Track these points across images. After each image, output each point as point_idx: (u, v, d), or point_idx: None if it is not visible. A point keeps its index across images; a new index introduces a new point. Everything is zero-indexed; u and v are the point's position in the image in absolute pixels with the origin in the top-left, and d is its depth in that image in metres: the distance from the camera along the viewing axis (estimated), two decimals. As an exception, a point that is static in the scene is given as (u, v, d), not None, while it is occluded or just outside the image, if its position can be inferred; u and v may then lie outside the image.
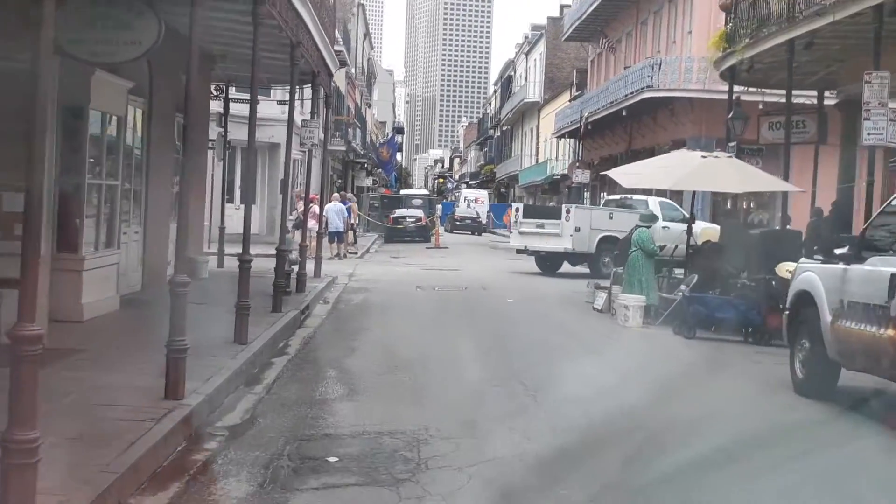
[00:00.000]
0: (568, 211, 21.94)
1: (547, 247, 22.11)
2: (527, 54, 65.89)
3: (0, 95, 8.26)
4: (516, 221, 23.90)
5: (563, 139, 45.43)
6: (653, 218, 13.88)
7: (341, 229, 25.85)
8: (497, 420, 7.12)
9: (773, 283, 12.40)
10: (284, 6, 11.13)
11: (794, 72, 15.84)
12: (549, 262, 22.75)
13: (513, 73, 72.92)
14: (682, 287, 13.05)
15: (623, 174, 15.25)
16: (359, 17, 58.32)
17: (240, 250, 10.24)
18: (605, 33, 36.61)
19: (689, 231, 14.70)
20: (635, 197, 22.83)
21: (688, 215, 16.15)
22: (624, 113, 29.72)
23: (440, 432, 6.65)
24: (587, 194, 40.58)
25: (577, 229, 21.18)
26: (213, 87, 19.11)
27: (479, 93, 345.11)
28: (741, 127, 17.50)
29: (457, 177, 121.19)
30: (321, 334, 11.71)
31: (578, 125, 37.02)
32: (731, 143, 17.31)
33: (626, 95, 29.36)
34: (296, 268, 14.78)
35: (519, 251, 22.74)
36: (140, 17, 7.98)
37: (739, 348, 11.85)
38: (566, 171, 45.45)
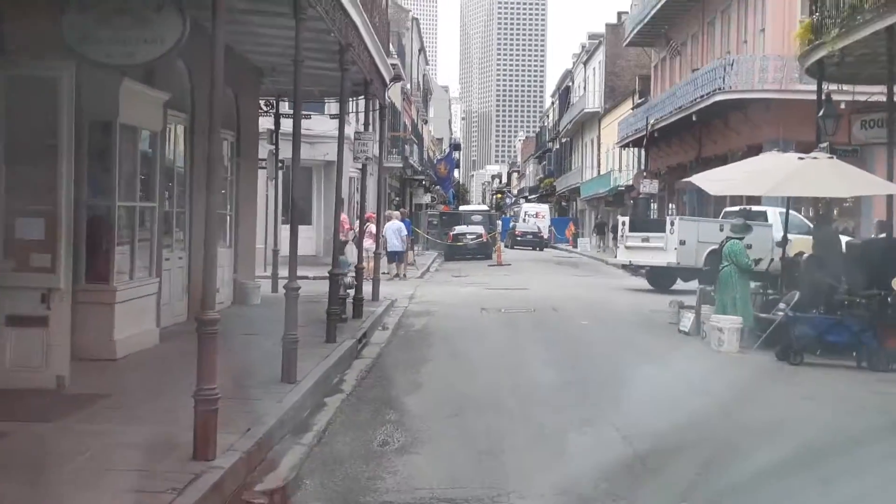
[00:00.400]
0: (672, 223, 20.70)
1: (652, 261, 21.05)
2: (585, 63, 64.43)
3: (12, 108, 7.29)
4: (622, 236, 23.05)
5: (626, 149, 43.85)
6: (746, 228, 12.41)
7: (399, 249, 24.78)
8: (593, 480, 5.83)
9: (889, 298, 10.88)
10: (330, 4, 10.04)
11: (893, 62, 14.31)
12: (660, 278, 21.57)
13: (571, 84, 71.47)
14: (781, 305, 11.59)
15: (709, 181, 13.81)
16: (413, 31, 57.64)
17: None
18: (668, 36, 35.07)
19: (785, 242, 13.21)
20: (754, 208, 21.28)
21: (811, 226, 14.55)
22: (694, 118, 28.16)
23: (525, 499, 5.41)
24: (654, 205, 38.93)
25: (682, 242, 19.92)
26: (262, 102, 18.25)
27: (535, 106, 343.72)
28: (833, 126, 15.93)
29: (515, 191, 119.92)
30: (380, 367, 10.55)
31: (644, 133, 35.49)
32: (823, 145, 15.74)
33: (695, 99, 27.81)
34: (352, 292, 13.70)
35: (624, 266, 21.58)
36: (160, 12, 6.95)
37: (855, 375, 10.36)
38: (630, 182, 43.84)
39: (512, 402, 8.36)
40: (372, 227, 23.98)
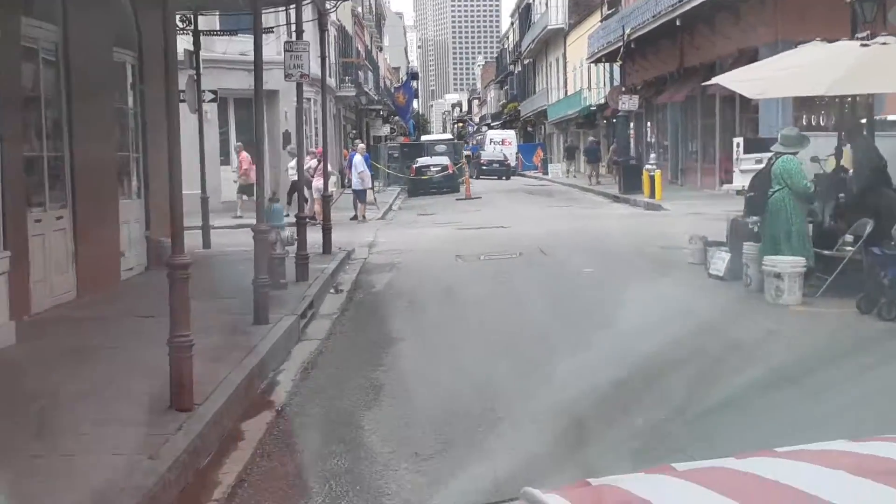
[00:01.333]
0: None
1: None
2: (546, -22, 60.68)
3: None
4: (737, 159, 20.74)
5: (598, 65, 40.76)
6: (801, 140, 9.54)
7: (361, 187, 21.87)
8: None
9: None
10: None
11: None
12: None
13: (531, 1, 67.70)
14: (848, 238, 8.89)
15: (742, 81, 10.93)
16: (361, -50, 53.41)
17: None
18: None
19: (839, 156, 10.46)
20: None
21: None
22: (678, 23, 25.14)
23: None
24: (632, 124, 36.07)
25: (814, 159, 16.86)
26: (178, 17, 14.99)
27: (492, 31, 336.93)
28: (872, 10, 13.05)
29: (477, 119, 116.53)
30: (327, 356, 7.72)
31: (619, 45, 32.41)
32: (862, 35, 12.88)
33: (678, 1, 24.74)
34: (292, 248, 10.80)
35: (739, 193, 18.79)
36: None
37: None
38: (603, 101, 40.88)
39: (519, 416, 5.57)
40: (314, 163, 21.00)
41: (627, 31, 29.39)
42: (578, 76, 49.88)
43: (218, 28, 23.19)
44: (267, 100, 25.11)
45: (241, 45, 23.04)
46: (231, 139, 24.02)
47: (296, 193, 21.42)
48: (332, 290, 11.19)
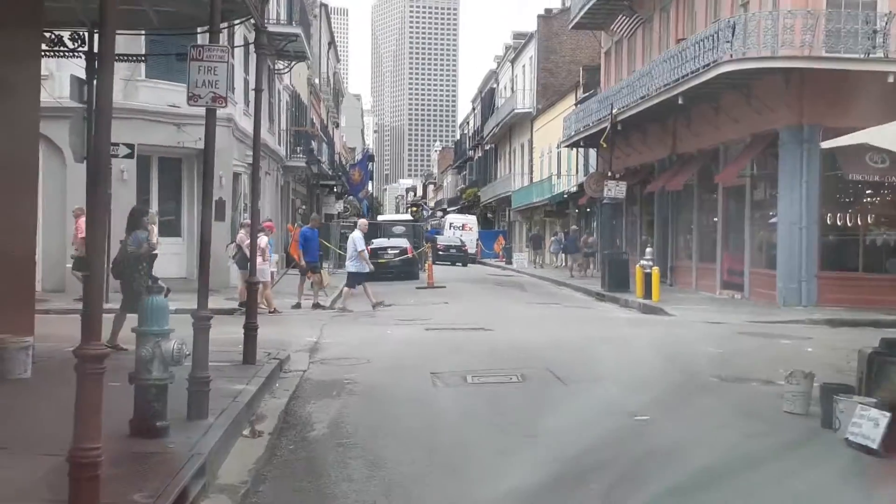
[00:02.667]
0: None
1: None
2: (512, 62, 58.54)
3: None
4: None
5: (572, 150, 37.77)
6: None
7: (361, 269, 18.52)
8: None
9: None
10: None
11: None
12: None
13: (495, 86, 65.49)
14: None
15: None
16: (321, 18, 50.71)
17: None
18: (633, 8, 29.09)
19: None
20: None
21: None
22: (680, 101, 22.03)
23: None
24: (599, 218, 32.77)
25: None
26: (50, 34, 11.15)
27: (448, 119, 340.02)
28: None
29: (432, 204, 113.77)
30: None
31: (601, 128, 29.36)
32: None
33: (680, 78, 21.65)
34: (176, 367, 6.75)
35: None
36: None
37: None
38: (576, 189, 37.76)
39: None
40: (263, 240, 17.12)
41: (615, 111, 26.29)
42: (546, 162, 47.03)
43: (142, 75, 19.54)
44: (199, 160, 21.29)
45: (170, 95, 19.27)
46: (153, 204, 19.96)
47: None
48: (245, 432, 7.14)
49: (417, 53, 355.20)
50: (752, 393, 8.94)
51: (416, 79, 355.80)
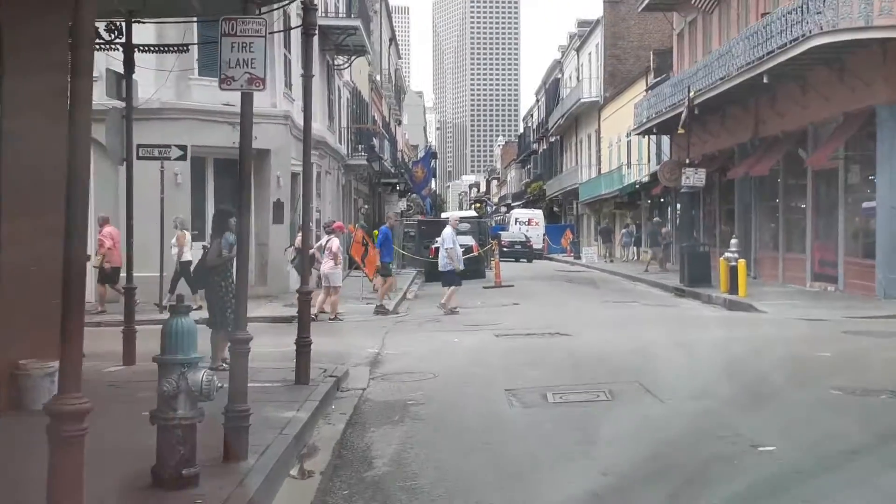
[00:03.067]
0: None
1: None
2: (577, 50, 56.88)
3: None
4: None
5: (643, 138, 36.18)
6: None
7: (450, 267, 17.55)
8: None
9: None
10: None
11: None
12: None
13: (560, 76, 63.88)
14: None
15: None
16: (381, 14, 49.90)
17: None
18: (708, -16, 27.46)
19: None
20: None
21: None
22: (765, 80, 20.43)
23: None
24: (674, 207, 31.13)
25: None
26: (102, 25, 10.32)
27: (511, 113, 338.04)
28: None
29: (496, 199, 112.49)
30: None
31: (676, 113, 27.81)
32: None
33: (764, 55, 20.06)
34: (220, 384, 5.75)
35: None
36: None
37: None
38: (646, 178, 36.15)
39: None
40: (335, 243, 16.26)
41: (692, 94, 24.71)
42: (615, 152, 45.40)
43: (195, 73, 18.76)
44: (256, 161, 20.50)
45: (224, 94, 18.44)
46: (208, 208, 19.20)
47: (182, 280, 16.23)
48: (293, 472, 6.11)
49: (478, 48, 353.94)
50: (885, 409, 7.59)
51: (478, 74, 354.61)
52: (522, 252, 43.05)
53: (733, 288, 19.35)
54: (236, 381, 5.82)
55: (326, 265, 16.40)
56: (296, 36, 21.76)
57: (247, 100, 6.30)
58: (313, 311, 16.74)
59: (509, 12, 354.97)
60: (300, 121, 22.22)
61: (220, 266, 9.52)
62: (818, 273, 21.10)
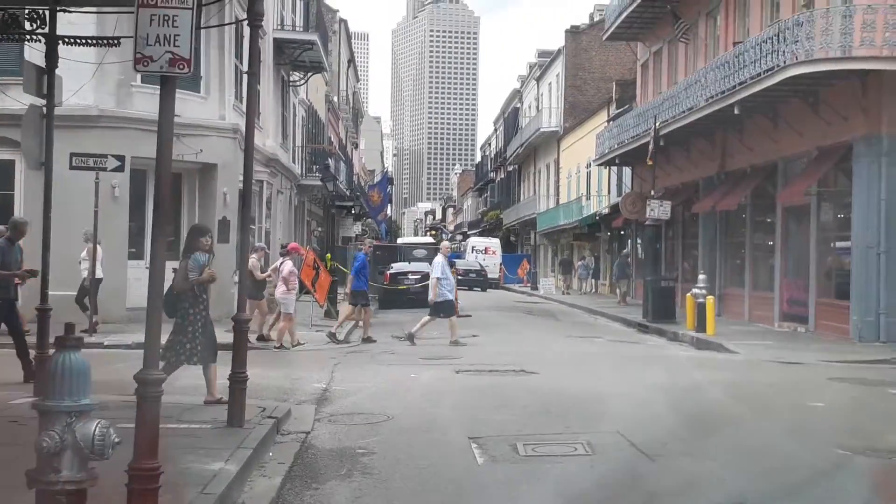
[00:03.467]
0: None
1: None
2: (538, 80, 56.52)
3: None
4: None
5: (606, 169, 35.58)
6: None
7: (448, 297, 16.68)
8: None
9: None
10: None
11: None
12: None
13: (519, 105, 63.51)
14: None
15: None
16: (341, 34, 49.00)
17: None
18: (675, 14, 26.92)
19: None
20: None
21: None
22: (736, 111, 19.80)
23: None
24: (635, 241, 30.44)
25: None
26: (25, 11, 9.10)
27: (467, 143, 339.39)
28: None
29: (452, 227, 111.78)
30: None
31: (638, 144, 27.19)
32: None
33: (735, 86, 19.43)
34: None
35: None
36: None
37: None
38: (607, 211, 35.49)
39: None
40: (288, 267, 15.12)
41: (657, 125, 24.06)
42: (574, 183, 44.84)
43: (137, 80, 17.52)
44: (201, 176, 19.24)
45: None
46: (147, 225, 17.88)
47: (86, 298, 15.19)
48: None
49: (437, 77, 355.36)
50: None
51: (436, 102, 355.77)
52: (477, 281, 42.07)
53: (700, 325, 18.54)
54: (143, 432, 4.65)
55: (279, 290, 15.28)
56: (247, 45, 20.65)
57: (168, 87, 5.17)
58: (269, 332, 15.56)
59: (468, 42, 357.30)
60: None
61: (188, 291, 8.40)
62: (787, 312, 20.39)
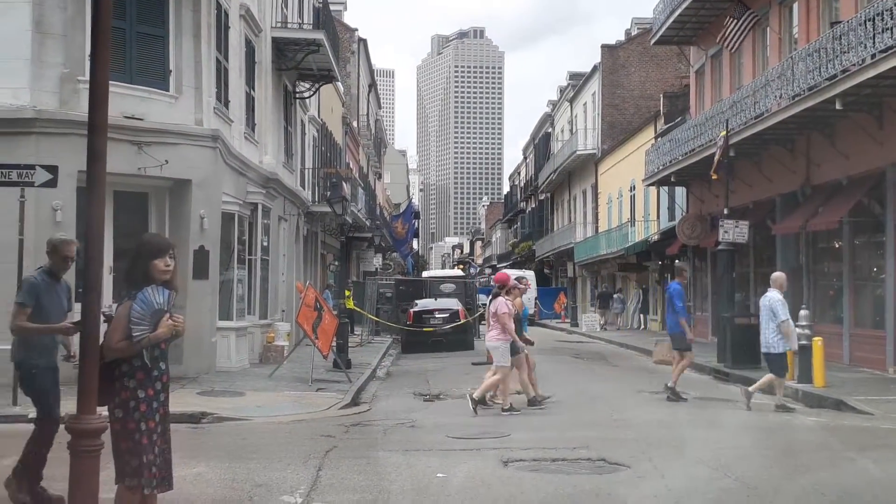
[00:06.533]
0: None
1: None
2: (571, 101, 52.87)
3: None
4: None
5: (657, 189, 31.72)
6: None
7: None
8: None
9: None
10: None
11: None
12: None
13: (551, 130, 59.88)
14: None
15: None
16: (360, 55, 45.76)
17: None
18: (743, 3, 23.13)
19: None
20: None
21: None
22: (838, 105, 15.92)
23: None
24: (681, 267, 26.39)
25: None
26: None
27: (493, 177, 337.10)
28: None
29: (480, 261, 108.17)
30: None
31: (696, 160, 23.35)
32: None
33: (834, 75, 15.62)
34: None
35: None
36: None
37: None
38: (658, 237, 31.49)
39: None
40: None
41: (728, 132, 20.18)
42: (616, 208, 40.94)
43: (84, 74, 13.95)
44: (172, 195, 15.62)
45: (127, 102, 13.55)
46: (108, 255, 14.25)
47: None
48: None
49: (462, 111, 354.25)
50: None
51: (461, 136, 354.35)
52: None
53: (804, 375, 14.57)
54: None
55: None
56: (235, 40, 17.08)
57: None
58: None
59: (493, 76, 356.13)
60: (239, 148, 17.50)
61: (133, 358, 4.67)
62: (905, 356, 16.34)
